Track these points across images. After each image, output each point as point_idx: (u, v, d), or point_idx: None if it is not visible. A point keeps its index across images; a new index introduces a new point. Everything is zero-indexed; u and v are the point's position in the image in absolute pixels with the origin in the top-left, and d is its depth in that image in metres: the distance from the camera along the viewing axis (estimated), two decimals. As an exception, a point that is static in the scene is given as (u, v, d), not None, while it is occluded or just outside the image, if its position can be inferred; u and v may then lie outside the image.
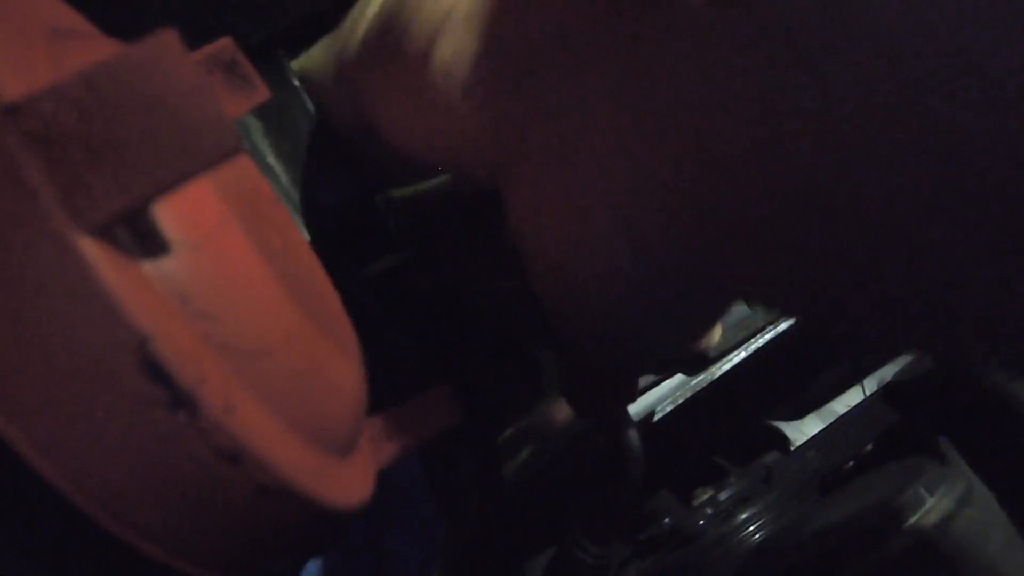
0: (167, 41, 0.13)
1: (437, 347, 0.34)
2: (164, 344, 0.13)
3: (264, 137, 0.28)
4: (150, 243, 0.14)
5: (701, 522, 0.47)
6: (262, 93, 0.23)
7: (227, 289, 0.15)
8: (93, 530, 0.13)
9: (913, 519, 0.43)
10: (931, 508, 0.43)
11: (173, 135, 0.13)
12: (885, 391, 0.64)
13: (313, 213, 0.29)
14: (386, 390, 0.30)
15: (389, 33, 0.24)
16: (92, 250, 0.13)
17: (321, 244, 0.29)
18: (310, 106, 0.29)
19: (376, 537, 0.26)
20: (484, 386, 0.35)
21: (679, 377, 0.48)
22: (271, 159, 0.27)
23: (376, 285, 0.35)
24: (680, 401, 0.48)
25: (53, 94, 0.13)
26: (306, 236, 0.27)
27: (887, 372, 0.65)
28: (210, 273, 0.15)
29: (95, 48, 0.17)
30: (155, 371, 0.13)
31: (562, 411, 0.40)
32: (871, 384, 0.71)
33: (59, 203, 0.13)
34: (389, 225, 0.31)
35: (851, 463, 0.62)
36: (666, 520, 0.46)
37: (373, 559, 0.26)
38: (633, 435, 0.40)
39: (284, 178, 0.28)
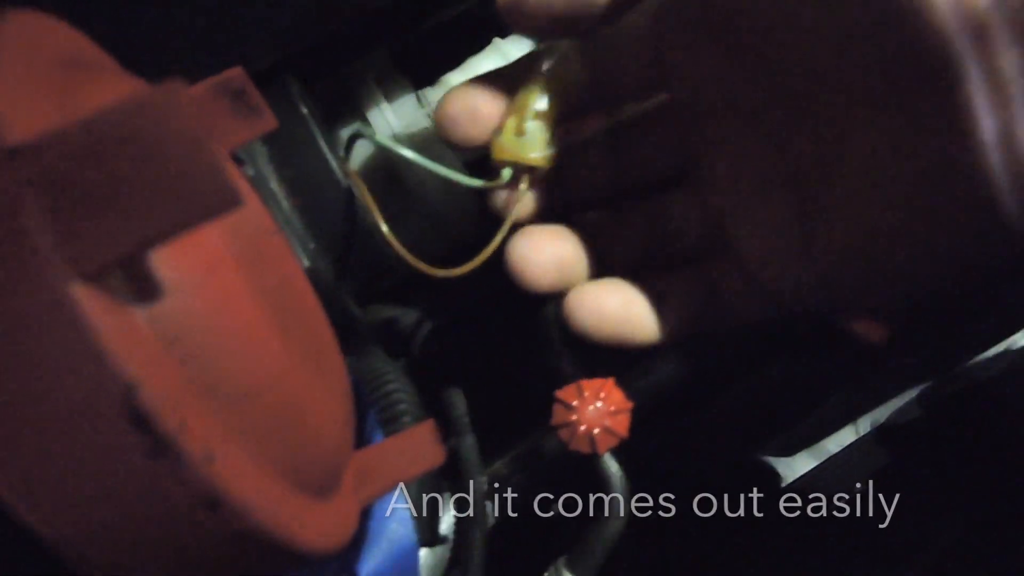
0: (170, 93, 0.13)
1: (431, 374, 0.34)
2: (149, 392, 0.13)
3: (268, 162, 0.28)
4: (142, 287, 0.15)
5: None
6: (269, 122, 0.24)
7: (217, 332, 0.16)
8: (67, 574, 0.13)
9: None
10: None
11: (171, 187, 0.13)
12: (878, 432, 0.64)
13: (313, 239, 0.29)
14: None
15: None
16: (83, 297, 0.13)
17: (318, 269, 0.29)
18: (316, 133, 0.29)
19: (351, 565, 0.26)
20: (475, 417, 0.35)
21: (669, 409, 0.47)
22: (274, 185, 0.28)
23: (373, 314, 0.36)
24: (670, 434, 0.48)
25: (54, 141, 0.13)
26: (305, 262, 0.28)
27: (881, 414, 0.65)
28: (201, 316, 0.15)
29: (107, 83, 0.17)
30: (138, 419, 0.13)
31: (551, 443, 0.40)
32: (864, 424, 0.71)
33: (54, 249, 0.13)
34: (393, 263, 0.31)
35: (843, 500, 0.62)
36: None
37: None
38: (615, 468, 0.40)
39: (286, 204, 0.28)
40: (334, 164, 0.29)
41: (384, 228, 0.28)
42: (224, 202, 0.13)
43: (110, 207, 0.13)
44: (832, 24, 0.22)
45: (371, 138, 0.29)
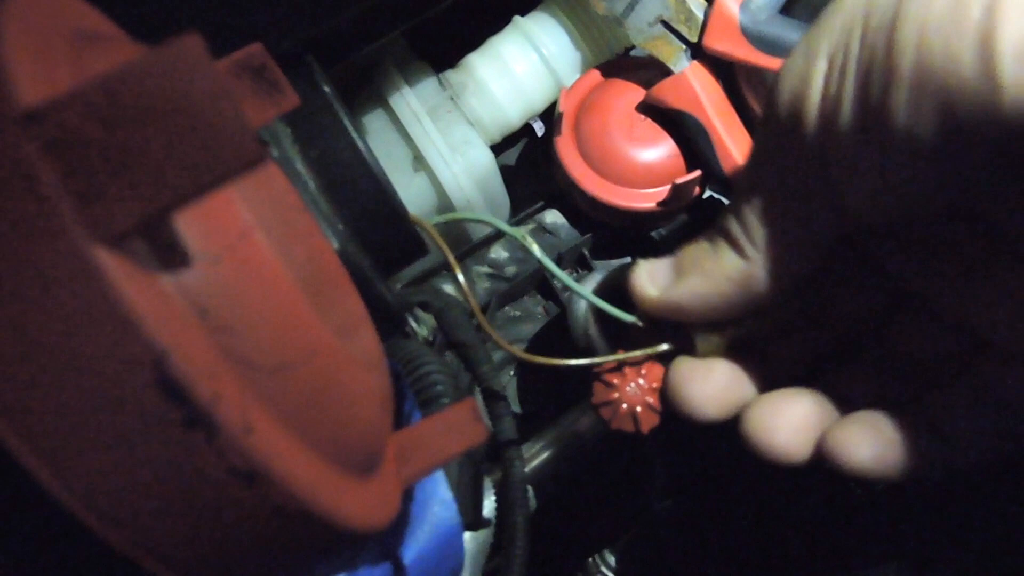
0: (190, 46, 0.13)
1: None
2: (180, 360, 0.13)
3: (293, 143, 0.27)
4: (169, 254, 0.14)
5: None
6: (291, 99, 0.23)
7: (248, 302, 0.15)
8: (103, 550, 0.13)
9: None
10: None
11: (194, 143, 0.13)
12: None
13: (341, 220, 0.28)
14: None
15: None
16: (108, 262, 0.12)
17: (348, 251, 0.28)
18: (340, 112, 0.28)
19: (394, 550, 0.25)
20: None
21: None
22: (300, 166, 0.27)
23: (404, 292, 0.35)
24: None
25: (72, 100, 0.12)
26: (334, 244, 0.27)
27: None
28: (231, 285, 0.15)
29: (120, 53, 0.17)
30: (171, 388, 0.13)
31: (587, 422, 0.39)
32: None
33: (76, 213, 0.12)
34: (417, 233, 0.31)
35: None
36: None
37: (393, 571, 0.25)
38: (656, 448, 0.40)
39: (312, 185, 0.27)
40: (360, 143, 0.28)
41: (460, 278, 0.29)
42: (249, 157, 0.13)
43: (132, 167, 0.12)
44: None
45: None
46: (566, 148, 0.41)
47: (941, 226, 0.25)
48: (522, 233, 0.30)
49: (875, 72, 0.21)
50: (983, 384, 0.25)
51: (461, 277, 0.30)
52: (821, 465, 0.26)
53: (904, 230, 0.26)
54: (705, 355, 0.28)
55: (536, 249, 0.29)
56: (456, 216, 0.38)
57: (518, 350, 0.29)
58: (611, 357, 0.29)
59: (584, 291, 0.30)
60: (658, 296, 0.26)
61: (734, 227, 0.25)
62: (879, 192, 0.22)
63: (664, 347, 0.28)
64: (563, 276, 0.30)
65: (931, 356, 0.27)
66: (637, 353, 0.29)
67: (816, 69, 0.22)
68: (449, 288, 0.39)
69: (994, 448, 0.26)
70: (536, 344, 0.44)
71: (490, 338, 0.29)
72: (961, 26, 0.19)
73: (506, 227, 0.30)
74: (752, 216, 0.24)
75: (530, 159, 0.47)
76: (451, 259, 0.30)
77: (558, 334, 0.44)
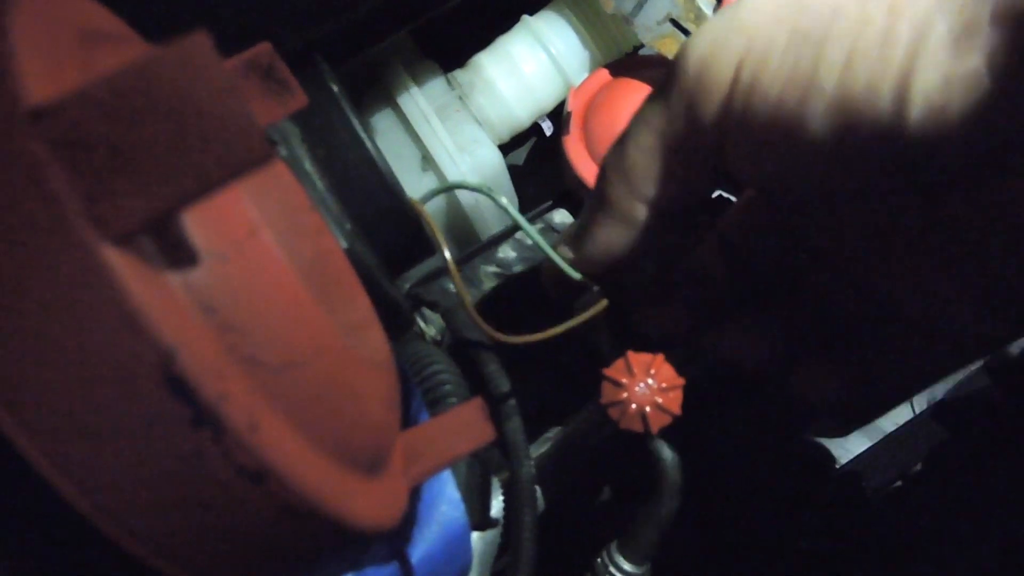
0: (197, 44, 0.13)
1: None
2: (187, 359, 0.13)
3: (302, 142, 0.27)
4: (176, 252, 0.14)
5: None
6: (299, 99, 0.23)
7: (255, 301, 0.15)
8: (109, 549, 0.13)
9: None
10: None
11: (201, 141, 0.13)
12: (935, 409, 0.62)
13: (349, 219, 0.28)
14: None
15: None
16: (115, 260, 0.12)
17: (356, 251, 0.28)
18: (348, 112, 0.28)
19: (402, 549, 0.25)
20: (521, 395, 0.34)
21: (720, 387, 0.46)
22: (308, 165, 0.27)
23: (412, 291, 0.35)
24: (720, 413, 0.47)
25: (79, 98, 0.12)
26: (342, 243, 0.27)
27: (937, 389, 0.63)
28: (238, 284, 0.15)
29: (128, 51, 0.17)
30: (178, 387, 0.13)
31: (596, 422, 0.39)
32: (920, 402, 0.68)
33: (83, 211, 0.12)
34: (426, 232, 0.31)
35: (898, 483, 0.60)
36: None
37: (401, 570, 0.25)
38: (667, 448, 0.39)
39: (320, 184, 0.27)
40: (367, 143, 0.28)
41: (447, 254, 0.30)
42: (256, 156, 0.13)
43: (139, 165, 0.12)
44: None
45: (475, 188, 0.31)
46: (575, 147, 0.41)
47: (845, 201, 0.26)
48: (495, 193, 0.30)
49: (797, 77, 0.21)
50: (891, 345, 0.28)
51: (447, 254, 0.30)
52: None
53: (809, 200, 0.27)
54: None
55: (509, 206, 0.30)
56: (458, 184, 0.38)
57: (499, 334, 0.30)
58: (570, 322, 0.30)
59: (547, 250, 0.30)
60: (575, 255, 0.29)
61: (617, 165, 0.26)
62: (771, 169, 0.23)
63: (605, 302, 0.30)
64: (550, 251, 0.30)
65: (844, 312, 0.29)
66: (590, 312, 0.30)
67: (734, 47, 0.23)
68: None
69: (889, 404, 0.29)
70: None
71: (483, 329, 0.30)
72: (885, 63, 0.20)
73: (496, 195, 0.30)
74: (637, 158, 0.26)
75: (538, 158, 0.47)
76: (439, 238, 0.30)
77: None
